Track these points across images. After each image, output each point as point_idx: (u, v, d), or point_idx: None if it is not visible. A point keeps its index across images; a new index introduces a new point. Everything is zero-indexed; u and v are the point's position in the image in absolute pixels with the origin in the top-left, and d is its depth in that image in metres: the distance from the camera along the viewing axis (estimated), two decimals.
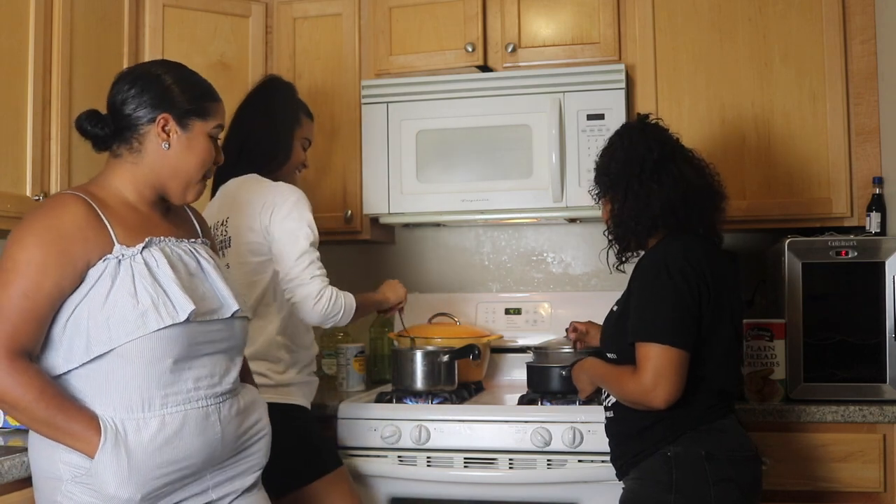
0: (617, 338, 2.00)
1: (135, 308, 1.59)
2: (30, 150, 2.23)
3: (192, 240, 1.80)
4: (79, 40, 2.38)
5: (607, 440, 2.08)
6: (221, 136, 1.85)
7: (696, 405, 1.90)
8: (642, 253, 2.05)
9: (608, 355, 2.06)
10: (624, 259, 2.11)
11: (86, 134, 1.73)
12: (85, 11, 2.42)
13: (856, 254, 2.43)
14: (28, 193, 2.22)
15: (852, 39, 2.64)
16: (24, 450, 1.76)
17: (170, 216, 1.82)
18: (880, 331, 2.40)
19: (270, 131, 2.36)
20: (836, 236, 2.47)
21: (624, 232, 2.05)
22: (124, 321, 1.59)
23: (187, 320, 1.62)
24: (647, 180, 1.99)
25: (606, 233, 2.11)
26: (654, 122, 2.11)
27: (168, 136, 1.72)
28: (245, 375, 1.91)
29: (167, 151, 1.72)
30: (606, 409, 2.08)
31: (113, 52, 2.57)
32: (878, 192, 2.56)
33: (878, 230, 2.54)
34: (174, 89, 1.74)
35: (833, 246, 2.44)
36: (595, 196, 2.14)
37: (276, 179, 2.32)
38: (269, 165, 2.34)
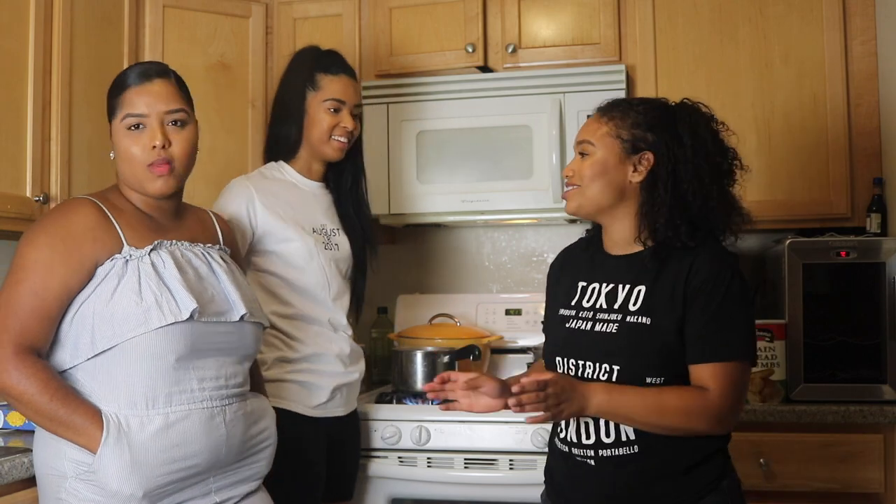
0: (665, 358, 1.66)
1: (138, 305, 1.61)
2: (30, 150, 2.22)
3: (209, 245, 1.82)
4: (79, 40, 2.38)
5: (614, 480, 1.68)
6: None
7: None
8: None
9: (649, 380, 1.65)
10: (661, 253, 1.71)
11: None
12: (85, 11, 2.41)
13: (856, 254, 2.43)
14: (28, 194, 2.21)
15: (853, 40, 2.64)
16: (25, 450, 1.77)
17: (186, 221, 1.84)
18: (880, 331, 2.40)
19: (278, 108, 2.30)
20: (836, 237, 2.47)
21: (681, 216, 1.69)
22: (128, 318, 1.61)
23: (191, 319, 1.63)
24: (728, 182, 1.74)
25: (650, 206, 1.71)
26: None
27: (113, 145, 1.76)
28: (256, 385, 1.91)
29: (115, 159, 1.76)
30: (615, 445, 1.67)
31: (113, 53, 2.57)
32: (878, 192, 2.56)
33: (879, 231, 2.54)
34: (107, 97, 1.77)
35: (833, 246, 2.44)
36: (630, 141, 1.73)
37: (305, 156, 2.27)
38: (283, 148, 2.28)
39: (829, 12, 2.63)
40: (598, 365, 1.69)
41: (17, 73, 2.20)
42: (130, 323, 1.61)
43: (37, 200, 2.21)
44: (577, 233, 3.16)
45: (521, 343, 2.99)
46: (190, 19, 2.78)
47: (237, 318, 1.74)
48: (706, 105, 1.77)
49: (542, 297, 3.10)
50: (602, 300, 1.75)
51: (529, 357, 2.71)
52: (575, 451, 1.72)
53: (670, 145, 1.70)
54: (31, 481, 1.73)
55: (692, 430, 1.62)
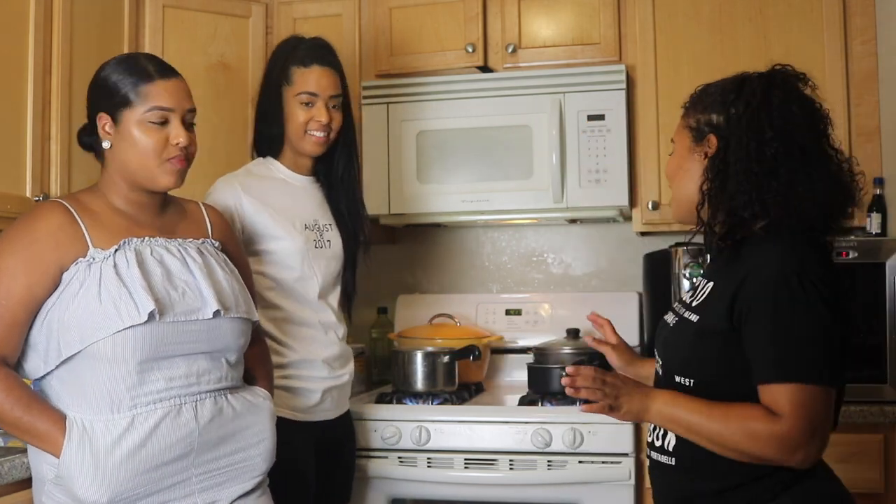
0: (695, 358, 1.53)
1: (98, 310, 1.59)
2: (30, 150, 2.22)
3: (189, 239, 1.78)
4: (79, 40, 2.38)
5: (657, 487, 1.61)
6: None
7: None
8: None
9: (678, 379, 1.53)
10: (723, 244, 1.51)
11: (82, 145, 1.80)
12: (85, 11, 2.41)
13: (856, 254, 2.42)
14: (28, 194, 2.21)
15: (853, 40, 2.64)
16: (25, 451, 1.76)
17: (169, 215, 1.80)
18: (881, 332, 2.40)
19: (260, 105, 2.28)
20: (836, 237, 2.46)
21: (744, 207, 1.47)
22: (89, 323, 1.59)
23: (150, 321, 1.59)
24: (809, 160, 1.48)
25: (707, 195, 1.51)
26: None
27: (110, 134, 1.72)
28: (260, 380, 1.88)
29: (112, 150, 1.72)
30: (660, 450, 1.58)
31: (113, 53, 2.51)
32: (878, 192, 2.56)
33: (879, 231, 2.54)
34: (108, 85, 1.72)
35: (833, 247, 2.43)
36: (696, 128, 1.56)
37: (289, 152, 2.25)
38: (268, 145, 2.27)
39: (829, 12, 2.63)
40: (660, 362, 1.63)
41: (17, 72, 2.20)
42: (92, 328, 1.58)
43: (37, 200, 2.21)
44: (576, 233, 3.20)
45: (521, 343, 2.99)
46: (190, 19, 2.78)
47: (210, 315, 1.69)
48: (794, 67, 1.53)
49: (541, 297, 3.15)
50: (689, 296, 1.64)
51: (529, 357, 2.71)
52: (647, 449, 1.65)
53: (729, 123, 1.50)
54: (30, 482, 1.72)
55: (761, 456, 1.42)
